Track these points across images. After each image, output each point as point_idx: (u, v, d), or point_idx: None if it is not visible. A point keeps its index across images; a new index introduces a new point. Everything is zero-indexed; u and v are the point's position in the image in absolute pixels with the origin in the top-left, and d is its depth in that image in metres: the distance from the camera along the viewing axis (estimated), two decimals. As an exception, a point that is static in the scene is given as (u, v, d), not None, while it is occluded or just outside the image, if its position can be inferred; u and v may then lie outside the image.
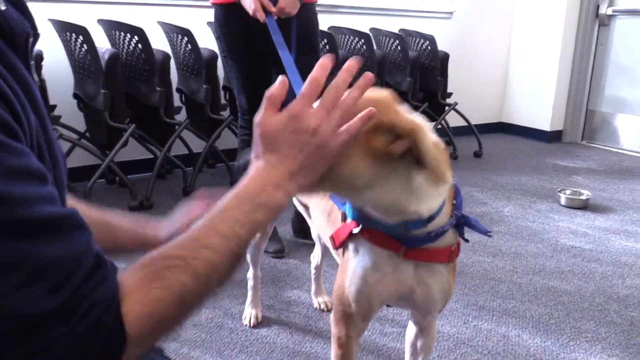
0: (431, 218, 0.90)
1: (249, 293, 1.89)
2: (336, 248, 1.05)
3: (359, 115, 0.72)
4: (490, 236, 1.02)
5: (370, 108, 0.73)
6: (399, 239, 0.94)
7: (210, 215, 0.65)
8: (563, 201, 3.18)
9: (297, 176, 0.70)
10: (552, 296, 2.11)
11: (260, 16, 2.03)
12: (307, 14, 2.26)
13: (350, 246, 1.03)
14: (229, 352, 1.72)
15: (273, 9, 2.05)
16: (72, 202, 0.80)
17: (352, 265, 1.03)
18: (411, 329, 1.21)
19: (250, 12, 2.05)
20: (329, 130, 0.70)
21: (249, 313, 1.87)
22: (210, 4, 2.28)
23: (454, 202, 0.95)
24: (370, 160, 0.80)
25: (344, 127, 0.71)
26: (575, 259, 2.45)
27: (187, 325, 1.84)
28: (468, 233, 1.00)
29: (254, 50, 2.20)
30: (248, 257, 1.82)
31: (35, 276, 0.48)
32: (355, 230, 0.98)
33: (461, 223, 0.96)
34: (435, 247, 0.95)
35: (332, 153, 0.71)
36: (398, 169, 0.83)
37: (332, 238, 1.04)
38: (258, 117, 0.71)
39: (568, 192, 3.25)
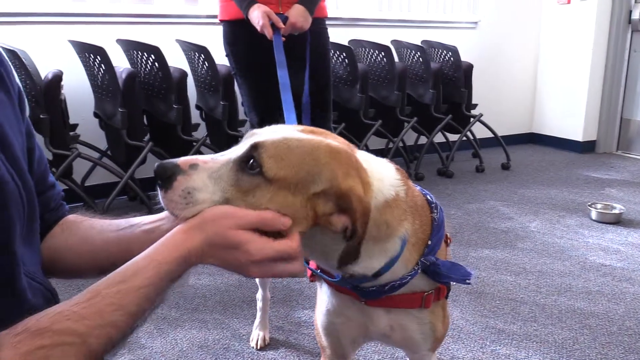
0: (378, 274, 0.80)
1: (258, 314, 1.85)
2: (311, 280, 1.00)
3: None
4: (469, 284, 0.87)
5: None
6: (355, 290, 0.86)
7: (122, 283, 0.61)
8: (594, 215, 3.03)
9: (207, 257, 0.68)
10: (578, 319, 1.99)
11: (268, 33, 2.01)
12: (318, 29, 2.23)
13: (318, 283, 0.99)
14: (233, 376, 1.67)
15: (282, 26, 2.02)
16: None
17: (319, 303, 0.99)
18: None
19: (258, 28, 2.03)
20: (259, 270, 0.70)
21: (257, 335, 1.83)
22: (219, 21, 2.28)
23: (428, 244, 0.83)
24: (305, 216, 0.71)
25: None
26: (604, 278, 2.32)
27: (194, 347, 1.80)
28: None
29: (264, 68, 2.17)
30: (257, 279, 1.77)
31: None
32: (317, 272, 0.92)
33: (429, 272, 0.84)
34: (400, 294, 0.85)
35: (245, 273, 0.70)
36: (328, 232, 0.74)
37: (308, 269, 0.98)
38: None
39: (599, 205, 3.09)
